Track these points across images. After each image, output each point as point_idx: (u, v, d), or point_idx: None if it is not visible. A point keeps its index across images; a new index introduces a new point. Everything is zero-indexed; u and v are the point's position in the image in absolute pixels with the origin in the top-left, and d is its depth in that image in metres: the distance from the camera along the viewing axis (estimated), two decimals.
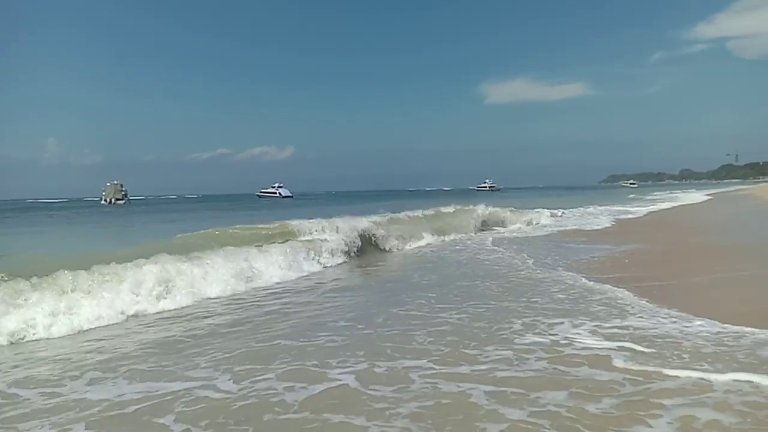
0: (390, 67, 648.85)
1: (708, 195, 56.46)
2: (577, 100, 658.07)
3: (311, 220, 16.23)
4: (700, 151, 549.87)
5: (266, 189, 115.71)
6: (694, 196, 53.80)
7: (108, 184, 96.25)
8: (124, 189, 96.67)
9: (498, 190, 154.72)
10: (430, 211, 22.78)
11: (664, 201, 47.18)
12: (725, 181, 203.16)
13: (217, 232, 15.00)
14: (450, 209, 23.65)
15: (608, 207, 38.23)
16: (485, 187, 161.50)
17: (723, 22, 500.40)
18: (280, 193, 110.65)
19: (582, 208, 35.36)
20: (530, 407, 4.34)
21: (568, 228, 22.30)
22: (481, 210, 23.77)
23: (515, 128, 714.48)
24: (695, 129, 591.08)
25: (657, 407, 4.17)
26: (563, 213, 30.83)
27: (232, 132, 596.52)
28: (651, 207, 38.44)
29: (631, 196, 68.24)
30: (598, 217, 29.12)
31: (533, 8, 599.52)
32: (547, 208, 29.84)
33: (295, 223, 16.04)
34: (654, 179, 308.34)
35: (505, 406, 4.39)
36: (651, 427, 3.88)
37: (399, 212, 20.61)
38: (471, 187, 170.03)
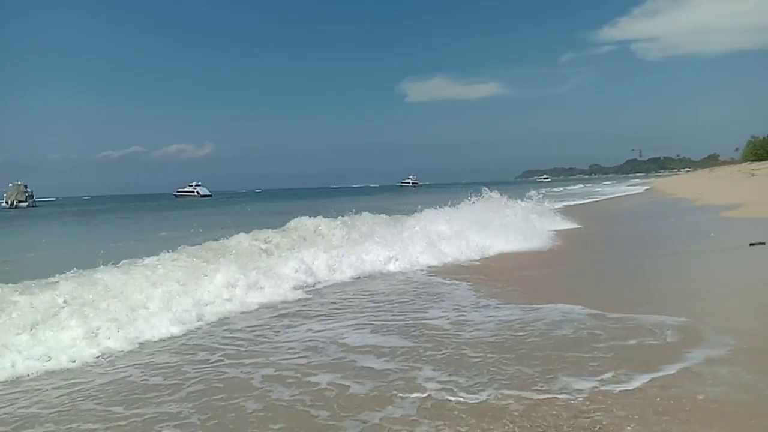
0: (312, 67, 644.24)
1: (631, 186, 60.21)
2: (492, 99, 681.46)
3: None
4: (607, 147, 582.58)
5: (183, 188, 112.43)
6: (614, 190, 57.55)
7: (10, 185, 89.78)
8: (28, 190, 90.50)
9: (420, 186, 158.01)
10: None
11: (578, 197, 49.35)
12: (630, 174, 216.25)
13: None
14: None
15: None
16: (409, 183, 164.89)
17: (626, 25, 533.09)
18: (198, 192, 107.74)
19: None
20: (300, 388, 4.73)
21: None
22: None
23: (436, 126, 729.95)
24: (603, 126, 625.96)
25: (415, 389, 4.55)
26: None
27: (145, 129, 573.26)
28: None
29: (544, 191, 70.75)
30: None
31: (448, 8, 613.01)
32: None
33: None
34: (566, 174, 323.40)
35: (278, 386, 4.77)
36: (396, 405, 4.25)
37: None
38: (397, 184, 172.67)
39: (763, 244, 10.84)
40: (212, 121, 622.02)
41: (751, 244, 10.98)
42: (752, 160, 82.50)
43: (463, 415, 3.97)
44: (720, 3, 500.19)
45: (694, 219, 19.31)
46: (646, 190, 51.65)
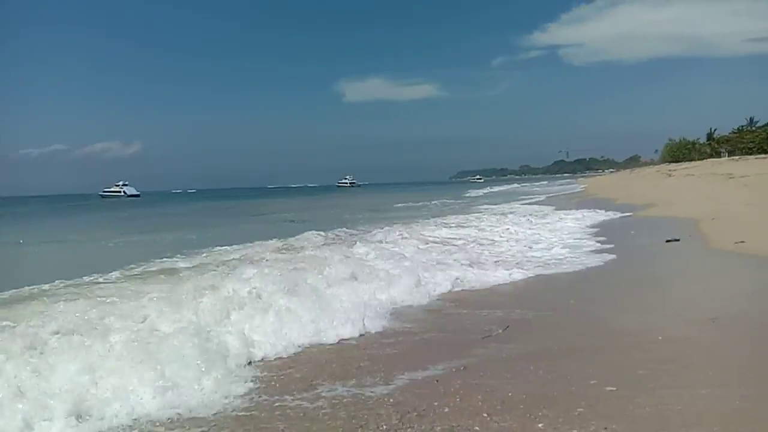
0: (248, 64, 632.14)
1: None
2: (427, 101, 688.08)
3: None
4: (536, 149, 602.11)
5: (110, 188, 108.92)
6: (554, 189, 59.94)
7: None
8: None
9: (358, 186, 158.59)
10: None
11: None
12: (557, 175, 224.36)
13: None
14: None
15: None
16: (346, 183, 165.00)
17: (555, 31, 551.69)
18: (124, 192, 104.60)
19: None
20: None
21: None
22: None
23: (374, 126, 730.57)
24: (533, 128, 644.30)
25: None
26: None
27: (67, 126, 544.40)
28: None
29: (488, 190, 72.49)
30: None
31: (385, 9, 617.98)
32: None
33: None
34: (498, 174, 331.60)
35: None
36: None
37: None
38: (336, 184, 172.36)
39: (678, 240, 11.68)
40: (140, 118, 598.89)
41: (667, 241, 11.82)
42: (669, 161, 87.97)
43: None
44: (639, 12, 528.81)
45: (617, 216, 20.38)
46: (582, 188, 54.30)
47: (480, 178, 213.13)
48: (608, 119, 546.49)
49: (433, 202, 40.08)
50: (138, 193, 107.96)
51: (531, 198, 41.62)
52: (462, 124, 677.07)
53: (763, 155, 60.14)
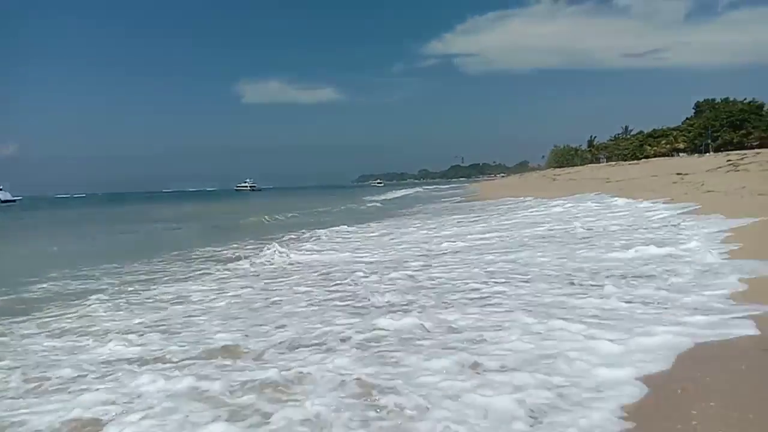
0: (143, 52, 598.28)
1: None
2: (328, 105, 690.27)
3: None
4: (434, 154, 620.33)
5: None
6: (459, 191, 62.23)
7: None
8: None
9: (258, 190, 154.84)
10: None
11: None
12: (454, 179, 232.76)
13: None
14: None
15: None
16: (246, 187, 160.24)
17: (450, 41, 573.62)
18: None
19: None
20: None
21: None
22: None
23: (274, 129, 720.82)
24: (430, 133, 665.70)
25: None
26: None
27: None
28: None
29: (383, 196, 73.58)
30: None
31: (284, 10, 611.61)
32: None
33: None
34: (398, 178, 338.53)
35: None
36: None
37: None
38: (234, 187, 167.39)
39: None
40: (15, 116, 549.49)
41: None
42: (555, 166, 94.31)
43: None
44: (528, 25, 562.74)
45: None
46: (479, 192, 57.32)
47: (381, 183, 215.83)
48: (500, 126, 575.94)
49: (363, 207, 39.88)
50: (14, 198, 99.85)
51: (452, 198, 44.17)
52: (362, 129, 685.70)
53: (635, 161, 65.97)
